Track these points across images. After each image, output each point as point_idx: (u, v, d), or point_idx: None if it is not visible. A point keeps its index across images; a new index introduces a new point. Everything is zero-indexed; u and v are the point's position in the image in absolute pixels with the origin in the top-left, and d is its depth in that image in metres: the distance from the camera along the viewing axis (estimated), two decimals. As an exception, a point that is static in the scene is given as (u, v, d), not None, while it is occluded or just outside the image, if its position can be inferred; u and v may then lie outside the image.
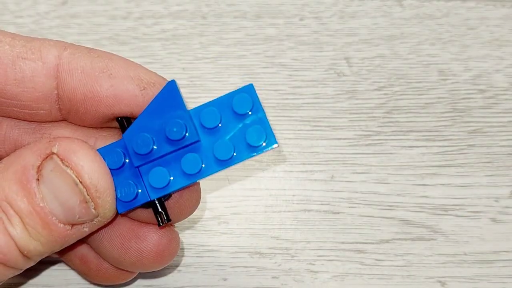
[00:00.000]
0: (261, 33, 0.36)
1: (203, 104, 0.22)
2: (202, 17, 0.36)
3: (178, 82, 0.23)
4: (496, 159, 0.33)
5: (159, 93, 0.22)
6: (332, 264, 0.31)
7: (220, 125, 0.22)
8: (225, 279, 0.31)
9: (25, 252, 0.21)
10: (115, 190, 0.22)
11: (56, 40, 0.23)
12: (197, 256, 0.31)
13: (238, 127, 0.22)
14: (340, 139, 0.34)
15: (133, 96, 0.22)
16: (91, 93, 0.22)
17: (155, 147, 0.22)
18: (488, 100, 0.35)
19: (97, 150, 0.22)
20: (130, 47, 0.35)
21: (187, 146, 0.22)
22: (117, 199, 0.22)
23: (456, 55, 0.36)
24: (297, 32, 0.36)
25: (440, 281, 0.31)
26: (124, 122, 0.23)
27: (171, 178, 0.22)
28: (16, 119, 0.24)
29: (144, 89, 0.22)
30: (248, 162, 0.33)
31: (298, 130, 0.34)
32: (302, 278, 0.31)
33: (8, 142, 0.25)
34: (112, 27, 0.36)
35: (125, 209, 0.23)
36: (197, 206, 0.26)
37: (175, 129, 0.22)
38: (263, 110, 0.22)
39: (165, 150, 0.22)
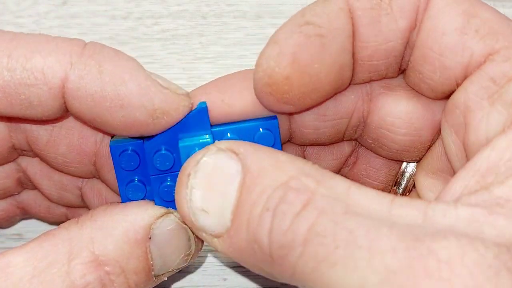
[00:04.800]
0: (261, 33, 0.36)
1: (227, 127, 0.22)
2: (202, 17, 0.36)
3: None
4: (496, 159, 0.33)
5: (189, 113, 0.22)
6: (332, 264, 0.31)
7: None
8: (225, 279, 0.31)
9: None
10: (125, 184, 0.23)
11: (59, 45, 0.21)
12: (197, 256, 0.31)
13: None
14: (340, 139, 0.34)
15: (145, 125, 0.21)
16: (100, 119, 0.21)
17: (173, 163, 0.22)
18: (488, 100, 0.35)
19: (112, 145, 0.22)
20: (130, 47, 0.35)
21: None
22: (125, 196, 0.23)
23: (456, 55, 0.36)
24: (297, 32, 0.36)
25: (440, 281, 0.31)
26: None
27: None
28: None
29: (157, 118, 0.21)
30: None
31: (298, 130, 0.34)
32: (302, 278, 0.31)
33: (20, 131, 0.24)
34: (112, 27, 0.36)
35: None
36: None
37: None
38: (281, 149, 0.23)
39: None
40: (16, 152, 0.25)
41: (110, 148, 0.23)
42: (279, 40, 0.20)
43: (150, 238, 0.21)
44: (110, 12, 0.36)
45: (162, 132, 0.22)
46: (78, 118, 0.22)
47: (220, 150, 0.19)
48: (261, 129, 0.22)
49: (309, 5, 0.21)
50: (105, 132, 0.24)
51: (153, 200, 0.23)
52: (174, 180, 0.22)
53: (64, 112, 0.22)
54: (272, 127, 0.22)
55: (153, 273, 0.22)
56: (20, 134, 0.24)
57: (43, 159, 0.25)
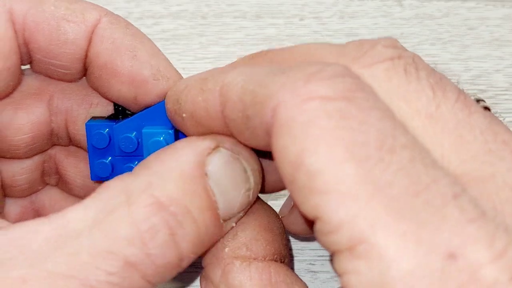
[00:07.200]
0: (261, 33, 0.36)
1: None
2: (202, 17, 0.36)
3: None
4: (496, 159, 0.33)
5: (162, 102, 0.23)
6: (332, 264, 0.31)
7: None
8: (225, 279, 0.31)
9: (184, 262, 0.20)
10: (95, 161, 0.25)
11: (97, 5, 0.24)
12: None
13: None
14: (340, 139, 0.34)
15: (145, 81, 0.23)
16: (110, 64, 0.23)
17: (137, 147, 0.24)
18: (488, 100, 0.35)
19: (88, 124, 0.24)
20: (130, 47, 0.35)
21: None
22: (93, 172, 0.25)
23: (456, 55, 0.36)
24: (297, 32, 0.36)
25: (440, 281, 0.31)
26: (118, 109, 0.25)
27: None
28: (48, 77, 0.25)
29: (157, 79, 0.23)
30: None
31: (298, 130, 0.34)
32: (302, 278, 0.31)
33: (60, 114, 0.26)
34: (112, 27, 0.36)
35: (96, 179, 0.25)
36: None
37: (156, 140, 0.23)
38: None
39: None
40: (51, 140, 0.26)
41: (85, 127, 0.25)
42: None
43: (206, 175, 0.20)
44: (110, 12, 0.36)
45: (131, 118, 0.24)
46: (92, 61, 0.24)
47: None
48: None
49: None
50: (104, 92, 0.24)
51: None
52: (136, 161, 0.24)
53: (84, 65, 0.24)
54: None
55: (219, 212, 0.21)
56: (60, 116, 0.26)
57: (79, 141, 0.26)
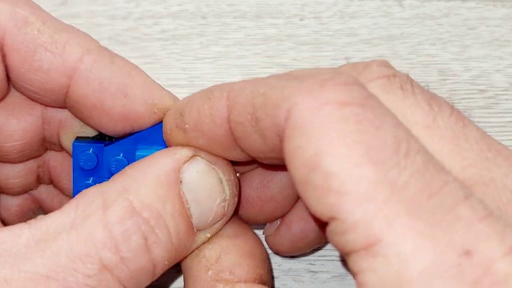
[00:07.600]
0: (261, 33, 0.36)
1: None
2: (202, 17, 0.36)
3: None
4: (496, 159, 0.33)
5: (152, 127, 0.23)
6: (332, 264, 0.31)
7: None
8: (225, 279, 0.31)
9: (157, 269, 0.21)
10: (80, 182, 0.24)
11: (84, 36, 0.23)
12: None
13: None
14: (340, 139, 0.34)
15: (140, 117, 0.23)
16: (101, 105, 0.22)
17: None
18: (488, 100, 0.35)
19: (75, 144, 0.24)
20: (130, 47, 0.35)
21: None
22: (77, 191, 0.24)
23: (456, 55, 0.36)
24: (297, 32, 0.36)
25: (440, 281, 0.31)
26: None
27: None
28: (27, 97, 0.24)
29: (154, 113, 0.23)
30: (248, 162, 0.33)
31: (298, 130, 0.34)
32: (302, 278, 0.31)
33: (53, 123, 0.25)
34: (112, 27, 0.36)
35: None
36: None
37: None
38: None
39: None
40: (44, 146, 0.26)
41: (72, 147, 0.24)
42: None
43: (181, 182, 0.21)
44: (110, 12, 0.36)
45: (122, 140, 0.23)
46: (78, 105, 0.23)
47: None
48: None
49: None
50: (95, 127, 0.24)
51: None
52: None
53: (61, 99, 0.23)
54: None
55: (192, 221, 0.21)
56: (53, 125, 0.25)
57: (70, 151, 0.25)
